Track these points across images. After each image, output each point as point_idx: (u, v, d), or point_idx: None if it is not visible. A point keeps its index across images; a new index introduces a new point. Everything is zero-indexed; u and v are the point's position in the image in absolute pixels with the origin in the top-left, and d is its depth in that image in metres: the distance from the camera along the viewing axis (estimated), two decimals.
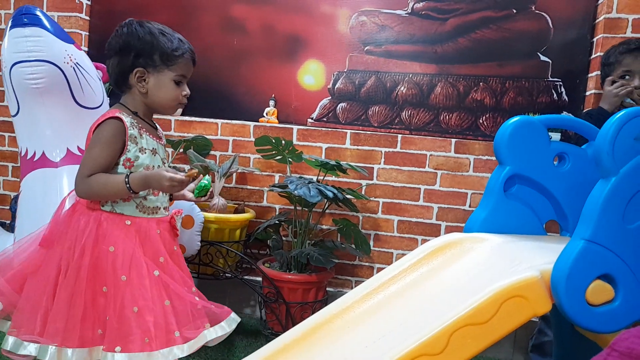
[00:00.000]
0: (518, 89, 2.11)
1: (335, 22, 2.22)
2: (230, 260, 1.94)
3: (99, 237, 1.15)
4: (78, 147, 1.61)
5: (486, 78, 2.13)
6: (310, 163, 2.03)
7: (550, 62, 2.08)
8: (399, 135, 2.13)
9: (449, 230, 2.10)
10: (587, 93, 2.02)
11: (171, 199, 1.39)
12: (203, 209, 1.89)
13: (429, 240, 1.10)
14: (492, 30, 2.11)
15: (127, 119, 1.18)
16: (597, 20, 2.00)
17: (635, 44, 1.61)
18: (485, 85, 2.13)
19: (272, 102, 2.25)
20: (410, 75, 2.18)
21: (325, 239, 2.11)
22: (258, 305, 2.14)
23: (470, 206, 2.09)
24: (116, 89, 1.27)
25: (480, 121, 2.14)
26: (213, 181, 1.44)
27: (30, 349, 1.09)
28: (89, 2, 2.34)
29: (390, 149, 2.14)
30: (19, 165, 2.39)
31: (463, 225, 1.17)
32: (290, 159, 2.03)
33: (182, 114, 2.28)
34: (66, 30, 2.26)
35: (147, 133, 1.23)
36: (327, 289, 2.05)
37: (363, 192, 2.14)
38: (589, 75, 2.02)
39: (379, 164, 2.15)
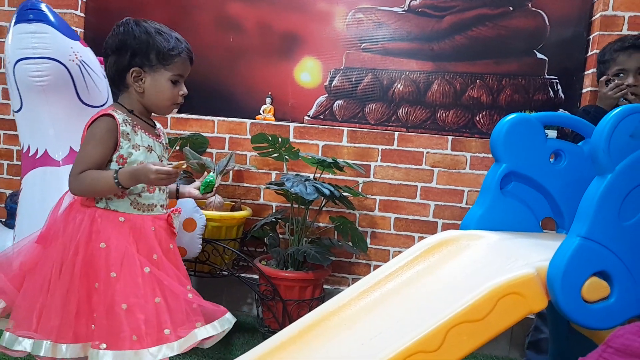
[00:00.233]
0: (514, 87, 2.11)
1: (332, 20, 2.21)
2: (227, 258, 1.94)
3: (92, 233, 1.15)
4: None
5: (483, 75, 2.13)
6: (307, 161, 2.03)
7: (547, 59, 2.08)
8: (396, 133, 2.13)
9: (446, 227, 2.10)
10: (584, 90, 2.03)
11: (178, 197, 1.39)
12: (200, 206, 1.88)
13: (425, 237, 1.10)
14: (488, 28, 2.11)
15: (119, 116, 1.18)
16: (594, 18, 2.00)
17: (629, 42, 1.60)
18: (482, 82, 2.13)
19: (268, 100, 2.24)
20: (407, 73, 2.18)
21: (322, 236, 2.11)
22: (255, 303, 2.14)
23: (466, 203, 2.09)
24: (114, 88, 1.27)
25: (477, 119, 2.14)
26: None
27: (25, 344, 1.10)
28: None
29: (387, 147, 2.14)
30: (14, 163, 2.39)
31: (460, 222, 1.17)
32: (287, 157, 2.02)
33: (179, 112, 2.27)
34: None
35: (143, 130, 1.23)
36: (324, 286, 2.05)
37: (360, 190, 2.14)
38: (585, 72, 2.02)
39: (376, 161, 2.15)
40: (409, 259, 1.04)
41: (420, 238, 2.12)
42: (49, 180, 1.57)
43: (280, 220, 2.07)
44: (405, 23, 2.17)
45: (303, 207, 1.98)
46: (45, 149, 1.59)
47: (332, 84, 2.23)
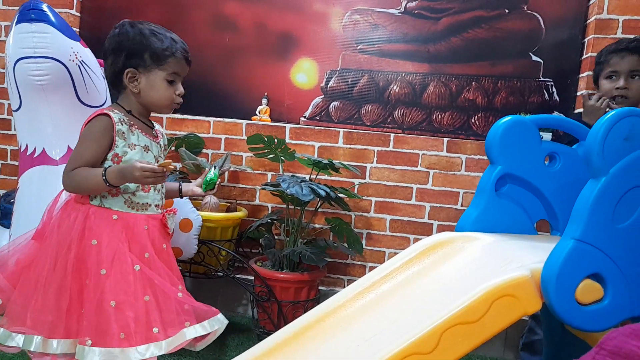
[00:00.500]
0: (510, 89, 2.12)
1: (328, 21, 2.22)
2: (223, 259, 1.94)
3: (84, 230, 1.16)
4: None
5: (478, 77, 2.14)
6: (302, 162, 2.03)
7: (542, 62, 2.09)
8: (392, 135, 2.14)
9: (441, 229, 2.10)
10: (578, 93, 2.04)
11: (181, 196, 1.40)
12: (195, 207, 1.88)
13: (421, 239, 1.10)
14: (484, 30, 2.12)
15: (116, 116, 1.19)
16: (588, 21, 2.01)
17: (623, 45, 1.60)
18: (478, 84, 2.14)
19: (264, 101, 2.24)
20: (403, 75, 2.18)
21: (318, 237, 2.11)
22: (250, 304, 2.14)
23: (462, 205, 2.10)
24: (112, 89, 1.29)
25: (473, 120, 2.15)
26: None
27: (18, 340, 1.11)
28: None
29: (383, 148, 2.14)
30: (8, 162, 2.37)
31: (455, 224, 1.18)
32: (282, 158, 2.02)
33: (174, 112, 2.26)
34: None
35: (140, 130, 1.24)
36: (319, 287, 2.05)
37: (355, 191, 2.14)
38: (580, 75, 2.03)
39: (372, 162, 2.15)
40: (405, 260, 1.04)
41: (416, 239, 2.12)
42: (46, 179, 1.57)
43: (275, 221, 2.07)
44: (402, 25, 2.18)
45: (299, 208, 1.98)
46: (43, 148, 1.60)
47: (328, 85, 2.23)
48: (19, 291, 1.16)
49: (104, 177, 1.14)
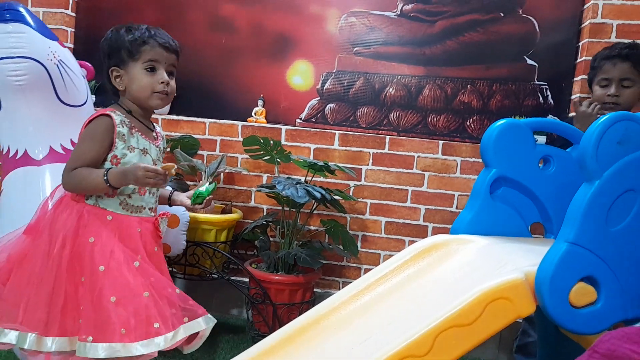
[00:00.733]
0: (505, 92, 2.13)
1: (325, 23, 2.22)
2: (217, 261, 1.93)
3: (79, 228, 1.17)
4: (61, 145, 1.59)
5: (473, 80, 2.15)
6: (298, 163, 2.03)
7: (537, 65, 2.10)
8: (387, 137, 2.14)
9: (436, 231, 2.11)
10: (573, 96, 2.05)
11: (170, 204, 1.39)
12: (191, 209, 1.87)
13: (416, 241, 1.11)
14: (479, 33, 2.12)
15: (117, 117, 1.20)
16: (583, 25, 2.02)
17: (616, 51, 1.60)
18: (473, 87, 2.14)
19: (260, 102, 2.24)
20: (399, 77, 2.19)
21: (313, 239, 2.11)
22: (245, 306, 2.14)
23: (457, 208, 2.10)
24: (113, 96, 1.31)
25: (468, 123, 2.16)
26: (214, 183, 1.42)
27: (11, 337, 1.10)
28: None
29: (378, 150, 2.14)
30: None
31: (450, 226, 1.18)
32: (278, 160, 2.02)
33: (170, 113, 2.26)
34: (51, 26, 2.23)
35: (140, 133, 1.25)
36: (315, 289, 2.05)
37: (351, 193, 2.14)
38: (575, 79, 2.05)
39: (367, 165, 2.15)
40: (400, 262, 1.05)
41: (411, 242, 2.13)
42: (29, 180, 1.56)
43: (271, 223, 2.07)
44: (398, 27, 2.18)
45: (294, 210, 1.98)
46: (25, 149, 1.59)
47: (324, 87, 2.24)
48: (10, 287, 1.16)
49: (105, 178, 1.14)
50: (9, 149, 1.63)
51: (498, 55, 2.12)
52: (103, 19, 2.31)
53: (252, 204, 2.23)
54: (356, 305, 0.99)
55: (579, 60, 2.03)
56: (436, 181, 2.11)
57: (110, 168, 1.17)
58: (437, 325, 0.76)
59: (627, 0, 1.92)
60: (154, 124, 1.35)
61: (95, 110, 2.17)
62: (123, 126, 1.20)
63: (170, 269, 1.88)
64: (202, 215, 1.87)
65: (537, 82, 2.11)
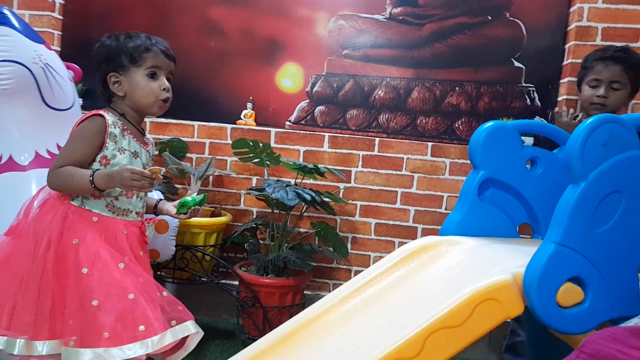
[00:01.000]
0: (493, 94, 2.15)
1: (314, 26, 2.22)
2: (207, 265, 1.92)
3: (64, 229, 1.15)
4: (47, 150, 1.56)
5: (462, 83, 2.16)
6: (288, 166, 2.02)
7: (524, 68, 2.12)
8: (377, 139, 2.15)
9: (426, 232, 2.12)
10: (559, 99, 2.07)
11: (155, 213, 1.38)
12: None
13: (405, 242, 1.11)
14: (467, 36, 2.14)
15: (110, 118, 1.20)
16: (569, 28, 2.05)
17: (609, 53, 1.61)
18: (461, 90, 2.16)
19: (249, 105, 2.23)
20: (388, 80, 2.20)
21: (303, 242, 2.10)
22: (235, 310, 2.13)
23: (446, 209, 2.11)
24: (105, 101, 1.30)
25: (456, 125, 2.17)
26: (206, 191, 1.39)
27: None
28: (63, 1, 2.29)
29: (368, 152, 2.15)
30: None
31: (439, 227, 1.18)
32: (268, 162, 2.02)
33: (158, 116, 2.24)
34: (38, 29, 2.21)
35: (132, 135, 1.25)
36: (305, 292, 2.05)
37: (341, 195, 2.15)
38: (561, 81, 2.07)
39: (357, 167, 2.16)
40: (389, 264, 1.05)
41: (401, 243, 2.13)
42: (14, 186, 1.54)
43: (260, 226, 2.06)
44: (387, 30, 2.19)
45: (284, 212, 1.97)
46: (10, 155, 1.56)
47: (314, 90, 2.24)
48: None
49: (91, 179, 1.13)
50: None
51: (486, 58, 2.14)
52: (91, 22, 2.29)
53: (242, 206, 2.23)
54: (346, 307, 0.99)
55: (565, 62, 2.06)
56: (425, 183, 2.12)
57: (97, 169, 1.16)
58: (427, 327, 0.76)
59: (612, 4, 1.95)
60: (144, 130, 1.34)
61: (83, 113, 2.15)
62: (115, 127, 1.20)
63: (159, 273, 1.88)
64: (191, 219, 1.85)
65: (524, 85, 2.13)
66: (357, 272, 2.09)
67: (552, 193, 1.15)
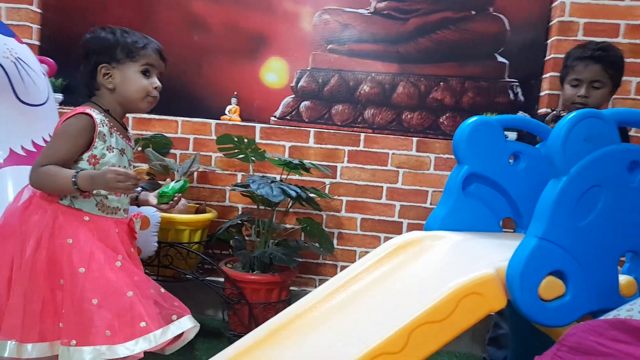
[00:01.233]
0: (477, 89, 2.16)
1: (299, 20, 2.21)
2: (192, 262, 1.91)
3: (55, 230, 1.13)
4: (22, 146, 1.53)
5: (446, 78, 2.17)
6: (273, 162, 2.01)
7: (507, 63, 2.14)
8: (362, 134, 2.15)
9: (411, 227, 2.13)
10: (542, 93, 2.10)
11: (138, 205, 1.37)
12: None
13: (391, 237, 1.11)
14: (451, 31, 2.15)
15: (97, 117, 1.18)
16: (551, 23, 2.07)
17: (588, 52, 1.61)
18: (446, 85, 2.17)
19: (234, 100, 2.22)
20: (373, 75, 2.20)
21: (289, 238, 2.10)
22: (220, 307, 2.12)
23: (431, 204, 2.13)
24: (87, 92, 1.27)
25: (441, 120, 2.18)
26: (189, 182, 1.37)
27: None
28: None
29: (354, 148, 2.15)
30: None
31: (424, 222, 1.19)
32: (253, 158, 2.00)
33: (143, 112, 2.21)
34: (15, 23, 2.16)
35: (118, 133, 1.24)
36: (291, 288, 2.05)
37: (326, 191, 2.14)
38: (544, 76, 2.09)
39: (342, 162, 2.16)
40: (374, 260, 1.05)
41: (387, 238, 2.14)
42: None
43: (246, 222, 2.05)
44: (371, 25, 2.19)
45: (269, 208, 1.96)
46: None
47: (299, 85, 2.23)
48: None
49: (74, 180, 1.11)
50: None
51: (470, 53, 2.15)
52: (71, 16, 2.25)
53: (227, 203, 2.21)
54: (332, 303, 0.99)
55: (547, 57, 2.08)
56: (410, 178, 2.13)
57: (82, 169, 1.14)
58: (411, 322, 0.76)
59: None
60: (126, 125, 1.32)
61: (61, 109, 2.10)
62: (103, 125, 1.18)
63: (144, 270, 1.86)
64: (175, 216, 1.84)
65: (507, 80, 2.14)
66: (343, 268, 2.10)
67: (534, 187, 1.16)
